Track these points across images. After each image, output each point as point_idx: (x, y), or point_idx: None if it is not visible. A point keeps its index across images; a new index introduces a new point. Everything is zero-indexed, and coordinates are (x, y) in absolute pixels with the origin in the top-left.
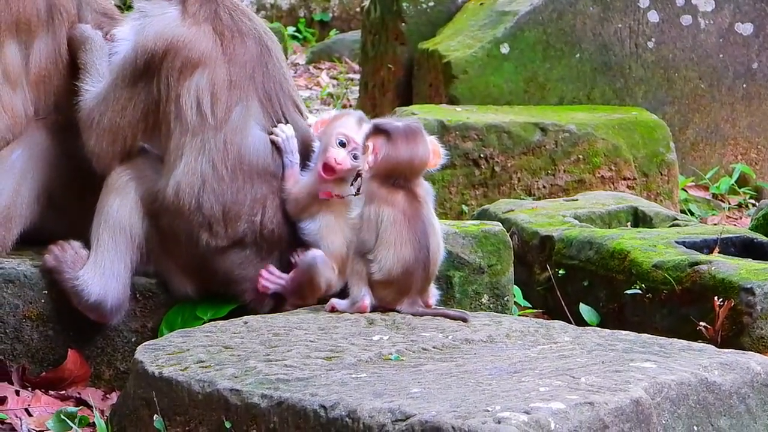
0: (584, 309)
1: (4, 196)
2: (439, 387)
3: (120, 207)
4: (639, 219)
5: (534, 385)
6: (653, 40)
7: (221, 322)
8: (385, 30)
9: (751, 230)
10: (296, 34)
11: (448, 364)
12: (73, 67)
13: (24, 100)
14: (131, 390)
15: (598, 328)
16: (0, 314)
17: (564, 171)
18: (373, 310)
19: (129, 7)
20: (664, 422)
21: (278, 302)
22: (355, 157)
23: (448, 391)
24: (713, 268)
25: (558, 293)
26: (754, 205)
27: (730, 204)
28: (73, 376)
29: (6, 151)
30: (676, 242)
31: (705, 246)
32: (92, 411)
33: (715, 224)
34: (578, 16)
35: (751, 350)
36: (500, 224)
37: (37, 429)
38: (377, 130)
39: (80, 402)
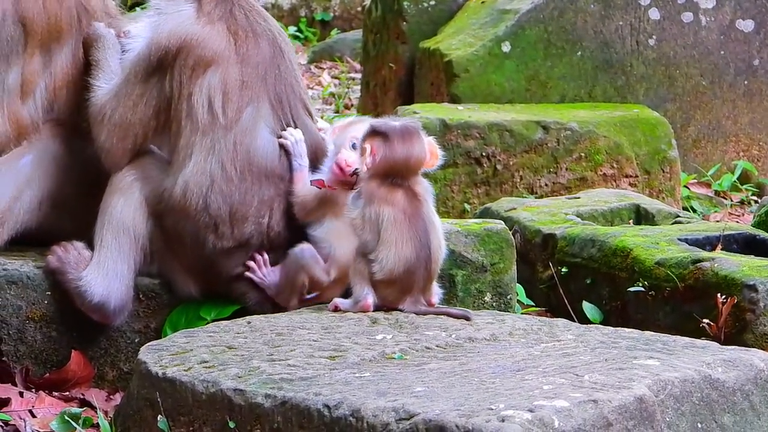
0: (587, 307)
1: (2, 200)
2: (442, 386)
3: (124, 207)
4: (641, 216)
5: (538, 383)
6: (654, 37)
7: (224, 323)
8: (387, 29)
9: (754, 227)
10: (297, 33)
11: (451, 363)
12: (89, 66)
13: (33, 109)
14: (135, 390)
15: (601, 326)
16: (3, 315)
17: (566, 169)
18: (376, 309)
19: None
20: (668, 419)
21: (277, 304)
22: None
23: (451, 390)
24: (716, 265)
25: (561, 291)
26: (756, 201)
27: (732, 201)
28: (76, 377)
29: (16, 157)
30: (679, 239)
31: (707, 243)
32: (96, 412)
33: (717, 221)
34: (579, 13)
35: (755, 347)
36: (503, 222)
37: (41, 430)
38: (374, 132)
39: (84, 403)
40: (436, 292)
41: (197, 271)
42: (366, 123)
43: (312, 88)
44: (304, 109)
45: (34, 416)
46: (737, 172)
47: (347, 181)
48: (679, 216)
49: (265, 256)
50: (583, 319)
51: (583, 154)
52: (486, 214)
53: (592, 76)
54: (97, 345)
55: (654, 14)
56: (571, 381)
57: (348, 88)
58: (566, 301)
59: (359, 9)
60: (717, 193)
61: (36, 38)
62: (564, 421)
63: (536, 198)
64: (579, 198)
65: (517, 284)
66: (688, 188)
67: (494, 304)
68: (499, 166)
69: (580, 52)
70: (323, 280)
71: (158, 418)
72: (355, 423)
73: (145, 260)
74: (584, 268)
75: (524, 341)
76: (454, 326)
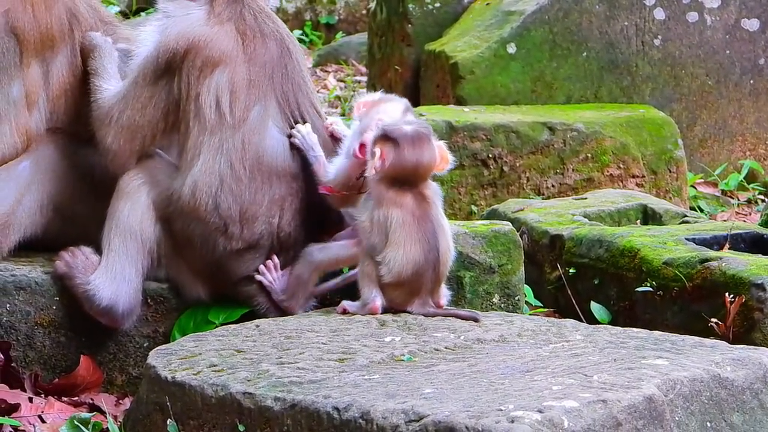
0: (595, 307)
1: (5, 204)
2: (451, 387)
3: (131, 211)
4: (648, 216)
5: (547, 384)
6: (660, 37)
7: (233, 326)
8: (392, 32)
9: (761, 226)
10: (302, 37)
11: (460, 364)
12: (89, 75)
13: (39, 119)
14: (144, 395)
15: (610, 326)
16: (12, 321)
17: (573, 170)
18: (384, 311)
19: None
20: (677, 419)
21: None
22: None
23: (460, 391)
24: (723, 264)
25: (569, 292)
26: (763, 200)
27: (739, 200)
28: (85, 382)
29: (14, 162)
30: (686, 239)
31: (715, 242)
32: (105, 417)
33: (724, 220)
34: (584, 14)
35: (763, 345)
36: (510, 224)
37: None
38: (385, 136)
39: (93, 408)
40: (445, 293)
41: (206, 274)
42: (396, 104)
43: (318, 92)
44: (312, 107)
45: (43, 421)
46: (744, 172)
47: (356, 185)
48: (686, 216)
49: (276, 259)
50: (592, 320)
51: (589, 155)
52: (493, 215)
53: (597, 77)
54: (106, 350)
55: (659, 14)
56: (580, 381)
57: (354, 91)
58: (574, 301)
59: (364, 12)
60: (724, 192)
61: (30, 48)
62: (573, 422)
63: (543, 199)
64: (586, 198)
65: (525, 285)
66: (695, 188)
67: (502, 305)
68: (505, 168)
69: (585, 53)
70: (349, 254)
71: (168, 422)
72: (365, 425)
73: (153, 264)
74: (592, 269)
75: (533, 342)
76: (463, 328)
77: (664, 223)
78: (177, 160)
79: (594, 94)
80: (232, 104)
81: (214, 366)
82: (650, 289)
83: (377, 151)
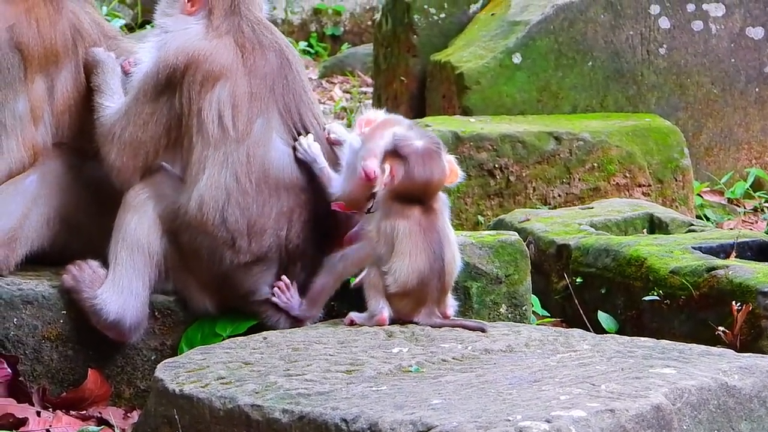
0: (602, 316)
1: (12, 218)
2: (459, 398)
3: (138, 225)
4: (655, 225)
5: (554, 394)
6: (665, 46)
7: (240, 338)
8: (397, 42)
9: (767, 234)
10: (308, 48)
11: (468, 375)
12: (92, 91)
13: (45, 133)
14: (152, 408)
15: (617, 335)
16: (19, 335)
17: (579, 179)
18: (392, 322)
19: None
20: (685, 427)
21: (297, 319)
22: None
23: (468, 402)
24: (730, 272)
25: (576, 301)
26: None
27: (745, 208)
28: (93, 395)
29: (21, 177)
30: (693, 248)
31: (721, 251)
32: (113, 430)
33: (731, 229)
34: (589, 24)
35: None
36: (516, 234)
37: None
38: (395, 153)
39: (101, 421)
40: (452, 304)
41: (213, 287)
42: (401, 127)
43: (324, 103)
44: (315, 117)
45: None
46: (750, 180)
47: (365, 204)
48: (692, 224)
49: (287, 279)
50: (599, 329)
51: (595, 164)
52: (500, 225)
53: (603, 86)
54: (114, 363)
55: (664, 23)
56: (587, 391)
57: (360, 102)
58: (581, 311)
59: (369, 23)
60: (730, 200)
61: (34, 63)
62: (581, 431)
63: (549, 209)
64: (592, 208)
65: (532, 295)
66: (701, 196)
67: (509, 315)
68: (512, 178)
69: (591, 63)
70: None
71: None
72: None
73: (160, 277)
74: (599, 278)
75: (540, 352)
76: (470, 338)
77: (670, 231)
78: (182, 175)
79: (600, 103)
80: (234, 118)
81: (222, 378)
82: (657, 298)
83: (387, 167)
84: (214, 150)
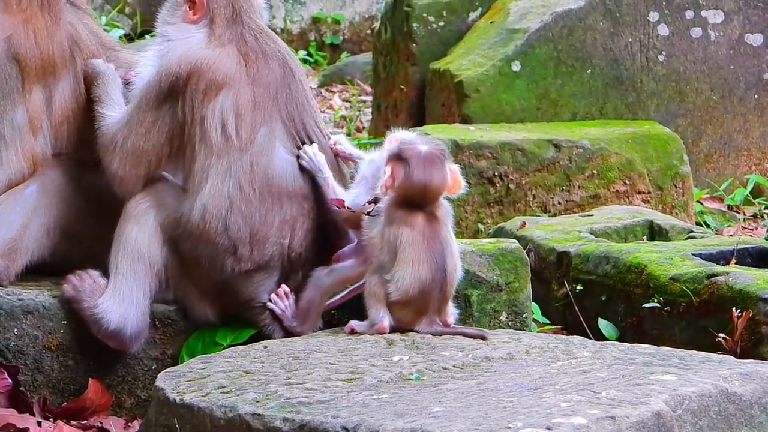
0: (603, 324)
1: (12, 229)
2: (460, 405)
3: (138, 234)
4: (655, 232)
5: (555, 401)
6: (664, 53)
7: (241, 347)
8: (396, 51)
9: (767, 240)
10: (307, 57)
11: (468, 383)
12: (92, 102)
13: (44, 144)
14: (153, 417)
15: (618, 342)
16: (20, 345)
17: (579, 187)
18: (392, 330)
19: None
20: None
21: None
22: None
23: (469, 410)
24: (730, 279)
25: (576, 309)
26: None
27: (745, 215)
28: (94, 405)
29: (21, 187)
30: (693, 254)
31: (721, 257)
32: None
33: (731, 235)
34: (588, 31)
35: None
36: (516, 242)
37: None
38: (397, 156)
39: (102, 431)
40: (452, 312)
41: (214, 296)
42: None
43: (323, 112)
44: (317, 127)
45: None
46: (750, 186)
47: (365, 207)
48: (692, 231)
49: (286, 287)
50: (599, 337)
51: (595, 172)
52: (500, 233)
53: (602, 94)
54: (114, 373)
55: (663, 30)
56: (588, 398)
57: (359, 110)
58: (582, 318)
59: (369, 32)
60: (730, 207)
61: (32, 74)
62: None
63: (549, 216)
64: (592, 215)
65: (533, 303)
66: (701, 203)
67: (510, 323)
68: (511, 186)
69: (590, 70)
70: (357, 271)
71: None
72: None
73: (161, 287)
74: (599, 285)
75: (541, 359)
76: (471, 346)
77: (670, 238)
78: (184, 184)
79: (599, 110)
80: (238, 127)
81: (223, 387)
82: (657, 304)
83: (388, 169)
84: (217, 159)
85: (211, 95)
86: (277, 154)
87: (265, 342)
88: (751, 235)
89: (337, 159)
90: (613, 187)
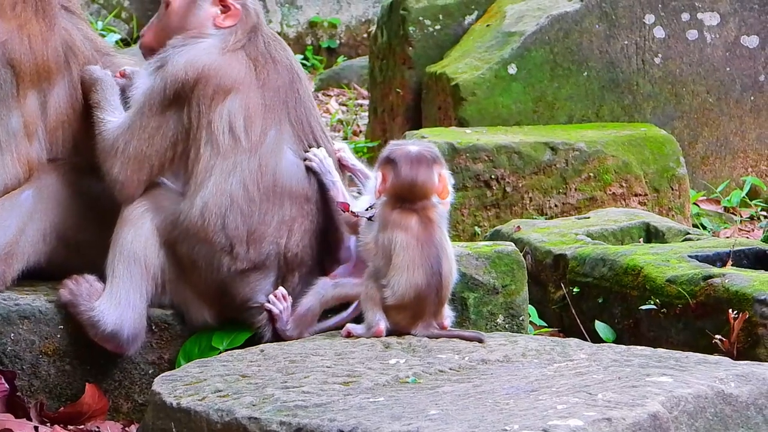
0: (600, 326)
1: (8, 233)
2: (456, 408)
3: (135, 237)
4: (651, 234)
5: (551, 403)
6: (660, 55)
7: (237, 351)
8: (393, 55)
9: (764, 242)
10: (304, 62)
11: (465, 385)
12: (89, 108)
13: (39, 149)
14: (150, 422)
15: (614, 344)
16: (17, 350)
17: (575, 189)
18: (389, 334)
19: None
20: None
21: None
22: None
23: (465, 412)
24: (727, 280)
25: (573, 311)
26: (765, 217)
27: (742, 217)
28: (91, 410)
29: (16, 192)
30: (689, 256)
31: (718, 259)
32: None
33: (727, 237)
34: (584, 34)
35: (767, 361)
36: (513, 244)
37: None
38: (386, 159)
39: None
40: (449, 315)
41: (211, 297)
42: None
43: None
44: (322, 132)
45: None
46: (746, 188)
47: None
48: (689, 233)
49: (284, 290)
50: (596, 339)
51: (591, 174)
52: (496, 236)
53: (598, 96)
54: (111, 377)
55: (659, 33)
56: (584, 400)
57: (356, 114)
58: (578, 321)
59: (365, 35)
60: (726, 209)
61: (26, 80)
62: None
63: (546, 219)
64: (589, 218)
65: (529, 305)
66: (698, 205)
67: (507, 325)
68: (508, 189)
69: (586, 73)
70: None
71: None
72: None
73: (157, 290)
74: (596, 288)
75: (537, 362)
76: (467, 349)
77: (667, 240)
78: (183, 185)
79: (595, 113)
80: (247, 128)
81: (219, 391)
82: (654, 306)
83: (379, 174)
84: (223, 159)
85: (218, 99)
86: (285, 155)
87: (261, 345)
88: (747, 237)
89: (341, 166)
90: (610, 190)
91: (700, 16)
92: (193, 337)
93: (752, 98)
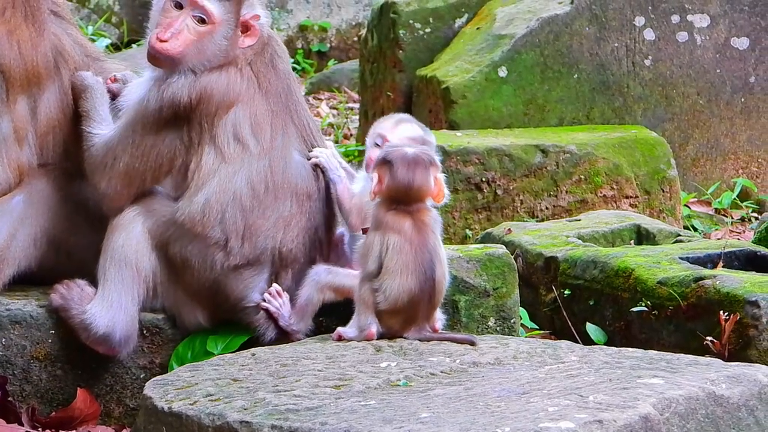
0: (591, 328)
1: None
2: (448, 411)
3: (126, 241)
4: (642, 236)
5: (543, 406)
6: (650, 57)
7: (229, 355)
8: (383, 58)
9: (755, 243)
10: (295, 65)
11: (456, 388)
12: (79, 114)
13: (30, 154)
14: (141, 426)
15: (605, 347)
16: (8, 355)
17: (566, 192)
18: (380, 336)
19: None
20: None
21: (284, 332)
22: None
23: (457, 415)
24: (718, 282)
25: (564, 313)
26: (756, 218)
27: (732, 218)
28: (83, 414)
29: (7, 197)
30: (680, 258)
31: (709, 261)
32: None
33: (718, 239)
34: (575, 36)
35: (758, 362)
36: (504, 247)
37: None
38: (382, 160)
39: None
40: (440, 317)
41: (204, 297)
42: (389, 118)
43: None
44: (318, 132)
45: None
46: (737, 190)
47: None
48: (679, 235)
49: (278, 287)
50: (588, 341)
51: (582, 177)
52: (487, 239)
53: (589, 99)
54: (103, 382)
55: (649, 35)
56: (576, 402)
57: (347, 118)
58: (570, 323)
59: (356, 39)
60: (717, 211)
61: (16, 85)
62: None
63: (537, 221)
64: (580, 220)
65: (521, 308)
66: (689, 207)
67: (498, 328)
68: (499, 191)
69: (576, 75)
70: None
71: None
72: None
73: (149, 294)
74: (587, 290)
75: (528, 364)
76: (458, 351)
77: (658, 242)
78: (176, 189)
79: (586, 115)
80: (256, 134)
81: (211, 395)
82: (645, 308)
83: (375, 175)
84: (229, 164)
85: (221, 114)
86: (293, 157)
87: (253, 349)
88: (738, 239)
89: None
90: (601, 192)
91: (690, 18)
92: (186, 341)
93: (743, 100)
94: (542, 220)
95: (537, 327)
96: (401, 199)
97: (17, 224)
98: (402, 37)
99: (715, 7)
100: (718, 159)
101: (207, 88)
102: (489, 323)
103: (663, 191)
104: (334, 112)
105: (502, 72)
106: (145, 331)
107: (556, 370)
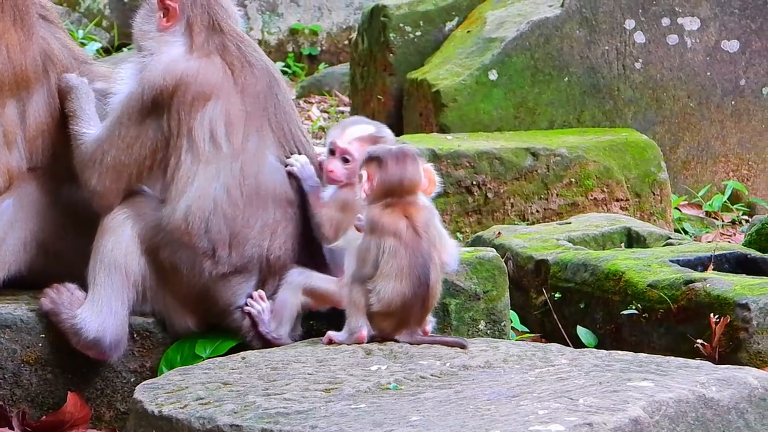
0: (582, 331)
1: None
2: (438, 414)
3: (115, 245)
4: (633, 239)
5: (533, 409)
6: (640, 60)
7: (219, 359)
8: (374, 61)
9: (745, 246)
10: (285, 69)
11: (446, 391)
12: (67, 117)
13: (19, 158)
14: (132, 430)
15: (595, 350)
16: None
17: (557, 195)
18: (371, 340)
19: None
20: None
21: (265, 339)
22: (345, 161)
23: (447, 418)
24: (708, 285)
25: (555, 317)
26: (747, 221)
27: (723, 221)
28: (73, 418)
29: None
30: (671, 261)
31: (699, 263)
32: None
33: (709, 242)
34: (565, 39)
35: (749, 365)
36: (494, 250)
37: None
38: (370, 158)
39: None
40: (430, 320)
41: (193, 302)
42: (337, 125)
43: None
44: (303, 137)
45: None
46: (727, 193)
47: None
48: (670, 238)
49: (261, 292)
50: (578, 344)
51: (573, 180)
52: (478, 242)
53: (580, 102)
54: (93, 386)
55: (639, 38)
56: (566, 405)
57: (337, 121)
58: (560, 326)
59: (346, 42)
60: (708, 213)
61: (5, 89)
62: None
63: (528, 225)
64: (570, 223)
65: (511, 311)
66: (679, 210)
67: (488, 331)
68: (489, 194)
69: (567, 78)
70: (332, 290)
71: None
72: None
73: (138, 298)
74: (577, 293)
75: (518, 367)
76: (449, 355)
77: (648, 245)
78: (163, 192)
79: (576, 118)
80: (229, 135)
81: (201, 399)
82: (636, 311)
83: (364, 173)
84: (205, 165)
85: (198, 106)
86: (267, 161)
87: (243, 353)
88: (729, 242)
89: (321, 171)
90: (591, 195)
91: (680, 20)
92: (176, 345)
93: (733, 103)
94: (533, 223)
95: (527, 330)
96: (394, 192)
97: (7, 228)
98: (392, 41)
99: (706, 10)
100: (708, 162)
101: (183, 74)
102: (479, 326)
103: (654, 194)
104: (325, 115)
105: (493, 75)
106: (135, 335)
107: (546, 373)
